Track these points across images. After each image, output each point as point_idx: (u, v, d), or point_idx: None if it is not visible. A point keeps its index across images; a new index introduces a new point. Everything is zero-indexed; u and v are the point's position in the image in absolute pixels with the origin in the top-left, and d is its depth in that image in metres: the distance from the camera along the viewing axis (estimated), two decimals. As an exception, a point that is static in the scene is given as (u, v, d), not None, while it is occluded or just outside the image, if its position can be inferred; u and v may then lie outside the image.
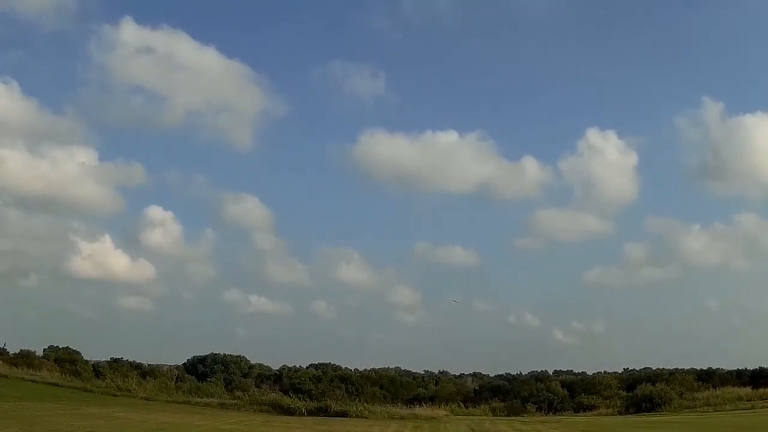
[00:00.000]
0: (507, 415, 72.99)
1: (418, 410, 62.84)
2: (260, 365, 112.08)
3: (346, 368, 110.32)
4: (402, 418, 58.57)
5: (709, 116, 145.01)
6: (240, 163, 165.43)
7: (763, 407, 65.07)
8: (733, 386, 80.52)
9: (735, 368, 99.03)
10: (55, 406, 42.64)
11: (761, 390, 74.55)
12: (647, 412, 70.14)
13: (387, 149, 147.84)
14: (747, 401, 70.14)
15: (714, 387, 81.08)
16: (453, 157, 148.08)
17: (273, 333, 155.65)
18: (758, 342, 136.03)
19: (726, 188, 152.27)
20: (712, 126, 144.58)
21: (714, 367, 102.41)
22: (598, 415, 73.48)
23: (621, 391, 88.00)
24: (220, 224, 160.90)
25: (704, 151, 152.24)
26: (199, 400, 64.25)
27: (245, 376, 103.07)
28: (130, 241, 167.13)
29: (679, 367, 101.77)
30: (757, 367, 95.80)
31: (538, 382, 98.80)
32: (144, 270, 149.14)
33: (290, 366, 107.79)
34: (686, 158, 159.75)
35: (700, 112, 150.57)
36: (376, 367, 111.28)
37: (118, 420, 36.27)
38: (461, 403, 79.17)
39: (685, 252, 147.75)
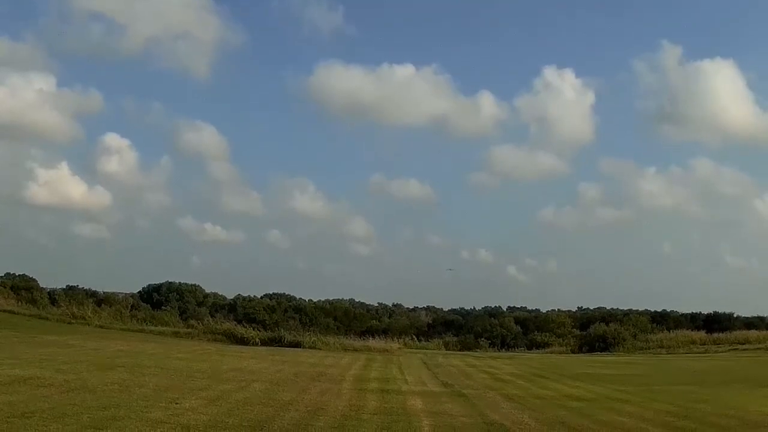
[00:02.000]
0: (460, 350, 74.27)
1: (372, 342, 63.54)
2: (215, 294, 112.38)
3: (300, 299, 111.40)
4: (355, 350, 59.35)
5: (668, 60, 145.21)
6: (197, 91, 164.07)
7: (716, 352, 66.52)
8: (687, 329, 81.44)
9: (689, 312, 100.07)
10: (12, 334, 43.22)
11: (715, 335, 76.01)
12: (600, 351, 71.13)
13: (343, 81, 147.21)
14: (701, 345, 71.42)
15: (668, 329, 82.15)
16: (409, 91, 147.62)
17: (228, 262, 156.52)
18: (712, 287, 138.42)
19: (682, 133, 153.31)
20: (670, 70, 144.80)
21: (668, 310, 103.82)
22: (551, 353, 74.64)
23: (574, 329, 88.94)
24: (176, 153, 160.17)
25: (661, 95, 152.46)
26: (153, 328, 64.78)
27: (200, 305, 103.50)
28: (87, 168, 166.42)
29: (634, 308, 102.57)
30: (712, 312, 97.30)
31: (492, 318, 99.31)
32: (100, 197, 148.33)
33: (245, 296, 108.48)
34: (643, 101, 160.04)
35: (659, 56, 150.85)
36: (330, 299, 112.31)
37: (73, 348, 36.91)
38: (414, 337, 79.94)
39: (641, 195, 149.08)
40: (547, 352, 75.89)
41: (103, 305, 75.11)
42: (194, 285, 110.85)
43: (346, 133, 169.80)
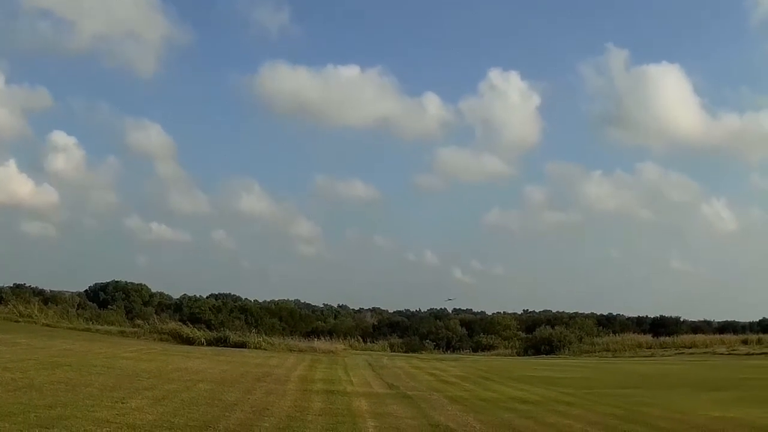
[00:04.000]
0: (405, 352, 74.57)
1: (317, 343, 63.72)
2: (161, 294, 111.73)
3: (245, 299, 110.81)
4: (300, 350, 59.46)
5: (614, 64, 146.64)
6: (144, 90, 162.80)
7: (662, 355, 67.56)
8: (634, 333, 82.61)
9: (636, 315, 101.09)
10: (-44, 332, 43.05)
11: (661, 339, 77.36)
12: (546, 354, 72.11)
13: (288, 82, 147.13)
14: (647, 348, 72.84)
15: (614, 333, 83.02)
16: (354, 92, 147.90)
17: (173, 262, 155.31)
18: (659, 291, 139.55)
19: (628, 137, 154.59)
20: (617, 74, 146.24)
21: (615, 313, 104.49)
22: (497, 355, 75.37)
23: (520, 332, 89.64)
24: (122, 151, 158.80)
25: (607, 98, 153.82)
26: (99, 327, 64.60)
27: (146, 304, 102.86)
28: (34, 166, 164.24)
29: (580, 312, 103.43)
30: (658, 315, 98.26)
31: (437, 320, 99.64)
32: (48, 195, 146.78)
33: (190, 295, 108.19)
34: (589, 105, 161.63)
35: (605, 60, 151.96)
36: (276, 299, 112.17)
37: (20, 346, 36.76)
38: (360, 338, 79.96)
39: (587, 198, 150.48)
40: (492, 355, 76.51)
41: (50, 304, 74.83)
42: (140, 284, 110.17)
43: (292, 134, 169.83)
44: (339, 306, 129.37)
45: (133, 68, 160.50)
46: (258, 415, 18.70)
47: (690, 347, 72.19)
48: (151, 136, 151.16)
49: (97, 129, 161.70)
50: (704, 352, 67.95)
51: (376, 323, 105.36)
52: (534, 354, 73.41)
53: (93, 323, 66.88)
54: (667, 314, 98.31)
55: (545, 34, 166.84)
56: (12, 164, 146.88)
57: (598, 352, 73.15)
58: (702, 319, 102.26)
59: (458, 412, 22.38)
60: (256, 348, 58.51)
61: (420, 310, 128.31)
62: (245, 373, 33.24)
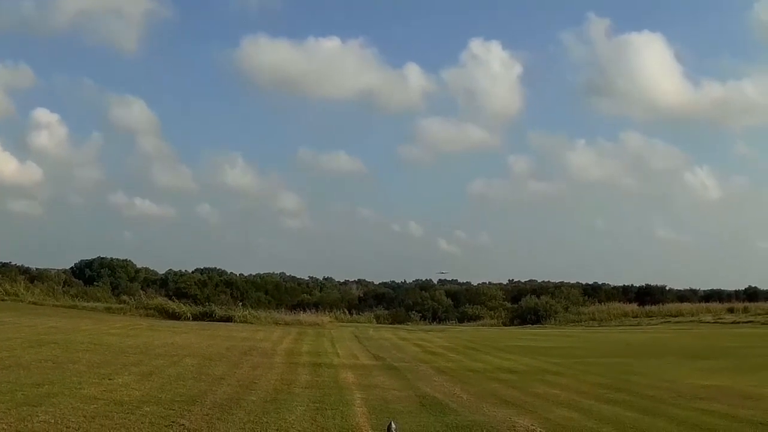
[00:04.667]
0: (391, 323, 74.89)
1: (303, 316, 63.97)
2: (146, 269, 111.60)
3: (231, 273, 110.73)
4: (287, 324, 59.70)
5: (595, 33, 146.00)
6: (127, 66, 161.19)
7: (649, 324, 67.77)
8: (620, 302, 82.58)
9: (622, 284, 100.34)
10: (-58, 310, 43.03)
11: (647, 307, 77.77)
12: (532, 324, 72.30)
13: (270, 55, 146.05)
14: (633, 317, 73.21)
15: (600, 302, 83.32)
16: (336, 64, 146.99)
17: (159, 237, 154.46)
18: (644, 260, 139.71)
19: (611, 106, 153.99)
20: (598, 43, 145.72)
21: (600, 283, 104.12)
22: (483, 326, 75.43)
23: (506, 302, 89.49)
24: (106, 127, 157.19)
25: (590, 67, 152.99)
26: (86, 304, 64.69)
27: (131, 280, 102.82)
28: (18, 143, 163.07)
29: (565, 281, 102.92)
30: (644, 284, 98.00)
31: (423, 291, 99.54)
32: (32, 173, 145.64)
33: (176, 270, 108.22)
34: (572, 74, 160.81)
35: (586, 29, 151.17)
36: (261, 273, 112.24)
37: (6, 325, 36.76)
38: (346, 310, 79.86)
39: (571, 168, 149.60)
40: (478, 325, 76.63)
41: (35, 282, 74.86)
42: (126, 260, 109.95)
43: (274, 107, 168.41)
44: (324, 278, 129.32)
45: (115, 44, 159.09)
46: (245, 389, 18.82)
47: (676, 316, 72.44)
48: (134, 112, 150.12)
49: (81, 106, 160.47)
50: (690, 321, 68.25)
51: (361, 295, 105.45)
52: (520, 324, 73.66)
53: (79, 300, 67.05)
54: (652, 283, 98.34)
55: (526, 4, 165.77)
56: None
57: (584, 321, 73.43)
58: (688, 287, 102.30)
59: (445, 383, 22.53)
60: (242, 322, 58.72)
61: (405, 281, 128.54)
62: (231, 347, 33.37)
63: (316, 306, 77.53)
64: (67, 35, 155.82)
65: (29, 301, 61.93)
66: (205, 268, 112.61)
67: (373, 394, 19.42)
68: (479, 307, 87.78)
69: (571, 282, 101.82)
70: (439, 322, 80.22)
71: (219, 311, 61.19)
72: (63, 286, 77.29)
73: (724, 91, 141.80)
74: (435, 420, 15.77)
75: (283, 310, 69.63)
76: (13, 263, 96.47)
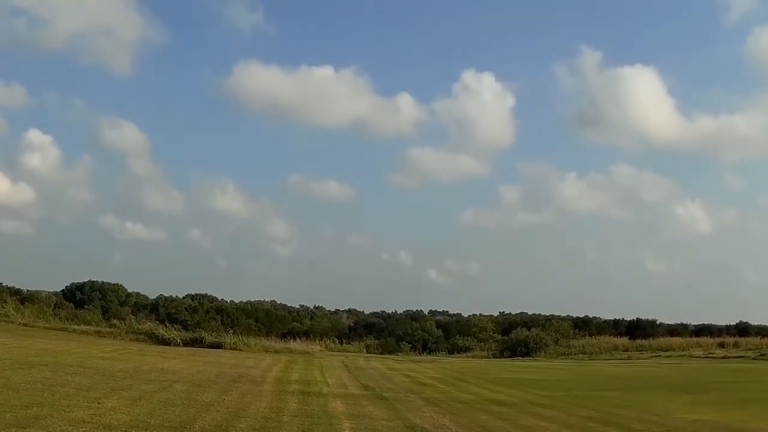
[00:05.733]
0: (381, 353, 74.85)
1: (293, 344, 63.95)
2: (137, 294, 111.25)
3: (222, 299, 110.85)
4: (276, 351, 59.62)
5: (587, 65, 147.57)
6: (119, 88, 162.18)
7: (639, 358, 67.67)
8: (610, 336, 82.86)
9: (612, 318, 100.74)
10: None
11: (638, 341, 77.48)
12: (522, 356, 72.26)
13: (262, 81, 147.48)
14: (623, 351, 72.91)
15: (590, 335, 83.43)
16: (328, 92, 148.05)
17: (150, 261, 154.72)
18: (635, 292, 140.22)
19: (602, 138, 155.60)
20: (590, 75, 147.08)
21: (591, 316, 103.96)
22: (473, 357, 75.34)
23: (496, 334, 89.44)
24: (98, 150, 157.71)
25: (581, 100, 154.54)
26: (76, 327, 64.58)
27: (122, 304, 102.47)
28: (9, 163, 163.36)
29: (556, 314, 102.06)
30: (634, 318, 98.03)
31: (413, 321, 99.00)
32: (23, 194, 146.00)
33: (167, 296, 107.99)
34: (563, 106, 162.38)
35: (578, 61, 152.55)
36: (252, 300, 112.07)
37: (-5, 346, 36.87)
38: (336, 339, 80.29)
39: (561, 199, 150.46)
40: (468, 357, 76.41)
41: (26, 303, 74.77)
42: (117, 284, 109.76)
43: (266, 134, 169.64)
44: (315, 307, 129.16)
45: (108, 66, 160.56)
46: (234, 416, 18.82)
47: (666, 350, 72.29)
48: (125, 135, 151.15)
49: (72, 127, 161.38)
50: (681, 355, 68.10)
51: (352, 324, 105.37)
52: (510, 356, 73.56)
53: (69, 323, 66.90)
54: (643, 317, 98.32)
55: (519, 36, 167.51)
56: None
57: (575, 354, 73.36)
58: (678, 321, 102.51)
59: (434, 414, 22.52)
60: (232, 349, 58.53)
61: (396, 311, 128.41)
62: (221, 373, 33.35)
63: (307, 334, 77.53)
64: (60, 56, 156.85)
65: (19, 323, 61.90)
66: (196, 294, 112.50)
67: (361, 424, 19.41)
68: (469, 338, 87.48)
69: (562, 315, 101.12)
70: (429, 353, 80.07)
71: (209, 338, 60.98)
72: (54, 309, 77.15)
73: (715, 124, 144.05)
74: (423, 451, 15.82)
75: (273, 337, 69.32)
76: (4, 284, 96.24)
